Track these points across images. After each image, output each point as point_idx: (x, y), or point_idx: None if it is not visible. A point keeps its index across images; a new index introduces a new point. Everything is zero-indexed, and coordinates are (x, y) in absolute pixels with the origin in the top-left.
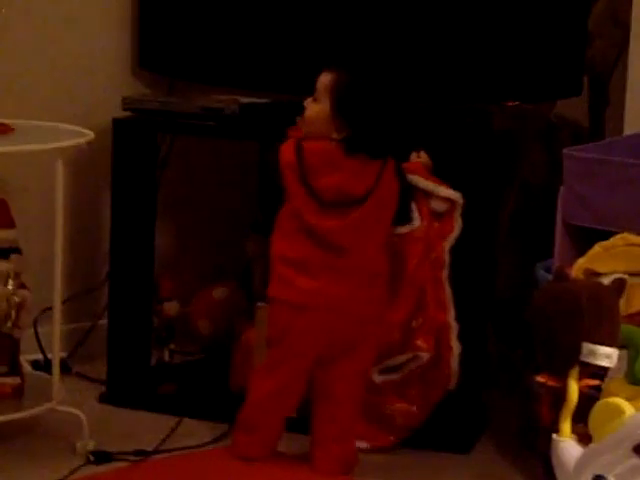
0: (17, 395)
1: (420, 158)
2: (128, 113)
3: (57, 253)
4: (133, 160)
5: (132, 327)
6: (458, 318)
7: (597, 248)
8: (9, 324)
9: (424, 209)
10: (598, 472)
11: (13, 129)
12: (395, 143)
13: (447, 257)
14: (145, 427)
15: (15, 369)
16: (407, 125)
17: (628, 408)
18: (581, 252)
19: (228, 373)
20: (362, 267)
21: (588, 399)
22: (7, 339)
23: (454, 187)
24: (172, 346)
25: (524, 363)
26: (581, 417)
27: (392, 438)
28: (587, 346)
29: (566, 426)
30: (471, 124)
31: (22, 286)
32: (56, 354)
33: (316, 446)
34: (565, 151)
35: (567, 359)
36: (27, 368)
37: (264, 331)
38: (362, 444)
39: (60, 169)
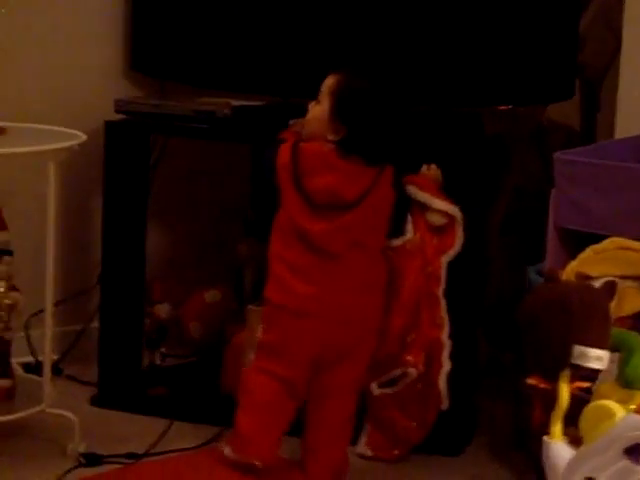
0: (8, 397)
1: (429, 171)
2: (120, 115)
3: (49, 255)
4: (125, 162)
5: (123, 330)
6: (450, 321)
7: (588, 251)
8: (1, 326)
9: (420, 222)
10: (589, 474)
11: (5, 131)
12: (393, 150)
13: (444, 273)
14: (136, 430)
15: (6, 371)
16: (408, 133)
17: (619, 410)
18: (572, 255)
19: (219, 376)
20: (355, 274)
21: (579, 402)
22: None
23: (446, 192)
24: (163, 349)
25: (515, 366)
26: (572, 420)
27: (396, 452)
28: (578, 348)
29: (557, 428)
30: (463, 128)
31: (13, 288)
32: (47, 357)
33: (307, 452)
34: (556, 155)
35: (558, 361)
36: (18, 371)
37: (255, 333)
38: (367, 452)
39: (52, 171)
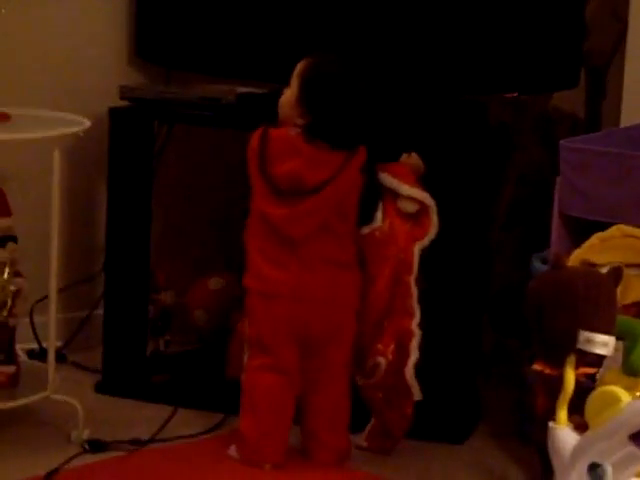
0: (12, 384)
1: (410, 158)
2: (125, 102)
3: (53, 242)
4: (129, 149)
5: (128, 317)
6: (455, 308)
7: (593, 239)
8: (5, 313)
9: (390, 209)
10: (594, 460)
11: (10, 117)
12: (359, 136)
13: (416, 260)
14: (140, 416)
15: (10, 358)
16: (378, 120)
17: (624, 396)
18: (577, 243)
19: (223, 363)
20: (324, 258)
21: (582, 389)
22: (3, 328)
23: (450, 180)
24: (168, 336)
25: (519, 353)
26: (576, 407)
27: (388, 444)
28: (584, 334)
29: (563, 414)
30: (467, 116)
31: (18, 274)
32: (52, 343)
33: (308, 438)
34: (562, 142)
35: (564, 347)
36: (22, 357)
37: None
38: (363, 443)
39: (57, 157)
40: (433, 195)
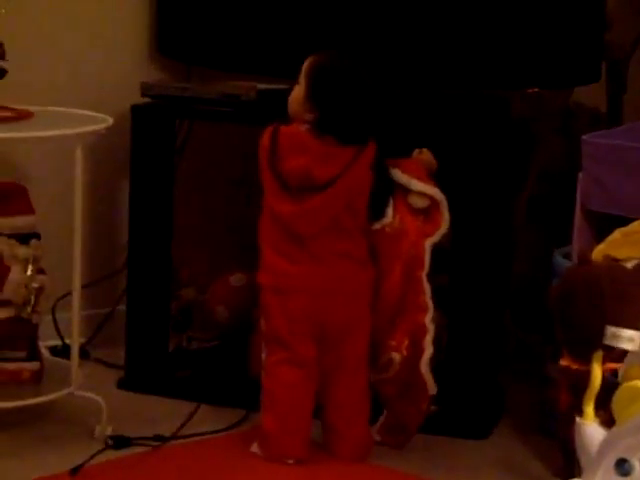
0: (36, 380)
1: (422, 155)
2: (146, 99)
3: (76, 239)
4: (151, 146)
5: (150, 313)
6: (477, 305)
7: (616, 234)
8: (28, 309)
9: (401, 205)
10: (622, 455)
11: (32, 115)
12: (367, 131)
13: (427, 256)
14: (163, 412)
15: (34, 354)
16: (388, 115)
17: None
18: (600, 238)
19: (245, 359)
20: (337, 251)
21: (608, 385)
22: (26, 324)
23: (472, 176)
24: (190, 332)
25: (542, 349)
26: (601, 403)
27: (401, 438)
28: (610, 329)
29: (590, 409)
30: (489, 111)
31: (41, 271)
32: (75, 340)
33: (329, 433)
34: (584, 137)
35: (590, 342)
36: (46, 354)
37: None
38: (376, 436)
39: (79, 155)
40: (454, 191)
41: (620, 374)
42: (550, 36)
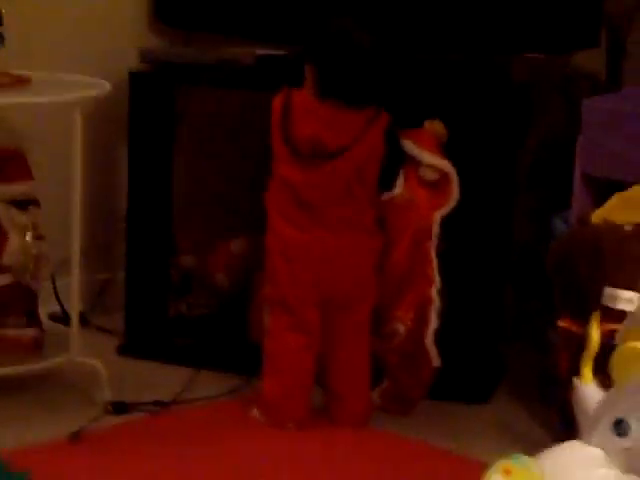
0: (36, 347)
1: (432, 125)
2: (144, 66)
3: (75, 205)
4: (150, 112)
5: (150, 280)
6: (476, 269)
7: (615, 199)
8: (27, 276)
9: (411, 177)
10: (620, 416)
11: (30, 81)
12: (368, 92)
13: (436, 228)
14: (163, 378)
15: (34, 321)
16: (392, 78)
17: None
18: (599, 203)
19: (245, 326)
20: (345, 219)
21: (606, 347)
22: (25, 291)
23: (472, 142)
24: (190, 299)
25: (541, 314)
26: (599, 366)
27: (401, 407)
28: (609, 290)
29: (588, 370)
30: (489, 75)
31: (40, 238)
32: (74, 306)
33: (330, 400)
34: (585, 102)
35: (589, 303)
36: (45, 320)
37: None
38: (377, 400)
39: (78, 120)
40: (454, 157)
41: (618, 335)
42: (549, 1)
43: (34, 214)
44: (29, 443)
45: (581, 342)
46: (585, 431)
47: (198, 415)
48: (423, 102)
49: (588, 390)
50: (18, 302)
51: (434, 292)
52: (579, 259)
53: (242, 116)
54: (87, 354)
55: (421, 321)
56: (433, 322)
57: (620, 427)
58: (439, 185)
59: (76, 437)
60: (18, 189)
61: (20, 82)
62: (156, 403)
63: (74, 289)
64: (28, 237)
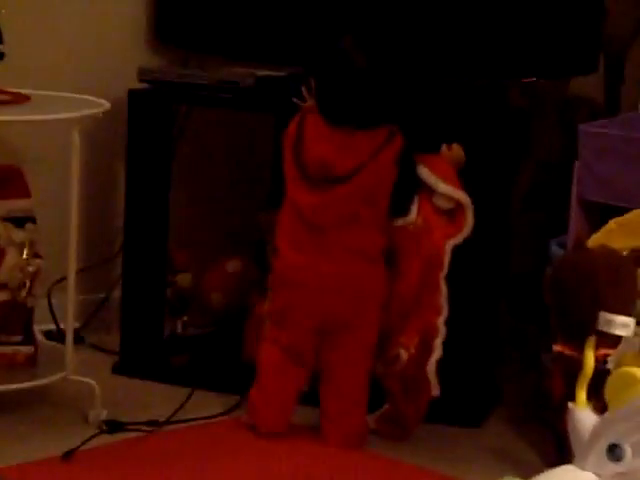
0: (31, 364)
1: (451, 151)
2: (143, 85)
3: (72, 223)
4: (148, 132)
5: (145, 298)
6: (472, 293)
7: (612, 224)
8: (23, 293)
9: (425, 204)
10: (614, 441)
11: (29, 99)
12: (373, 113)
13: (447, 258)
14: (158, 398)
15: (29, 338)
16: (396, 99)
17: None
18: (595, 228)
19: (240, 345)
20: (348, 246)
21: (601, 372)
22: (21, 308)
23: (469, 165)
24: (185, 318)
25: (537, 338)
26: (594, 390)
27: (397, 432)
28: (604, 315)
29: (582, 395)
30: (486, 101)
31: (37, 255)
32: (70, 324)
33: (325, 420)
34: (581, 127)
35: (584, 328)
36: (40, 338)
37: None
38: (372, 423)
39: (76, 139)
40: None
41: (612, 360)
42: (548, 26)
43: (31, 231)
44: (23, 461)
45: (576, 366)
46: (579, 455)
47: (193, 435)
48: (435, 126)
49: (582, 415)
50: (14, 319)
51: (441, 322)
52: (574, 284)
53: (240, 136)
54: (82, 372)
55: (424, 349)
56: (437, 352)
57: (614, 452)
58: (453, 214)
59: (70, 456)
60: (16, 206)
61: (19, 100)
62: (151, 423)
63: (70, 307)
64: (25, 254)
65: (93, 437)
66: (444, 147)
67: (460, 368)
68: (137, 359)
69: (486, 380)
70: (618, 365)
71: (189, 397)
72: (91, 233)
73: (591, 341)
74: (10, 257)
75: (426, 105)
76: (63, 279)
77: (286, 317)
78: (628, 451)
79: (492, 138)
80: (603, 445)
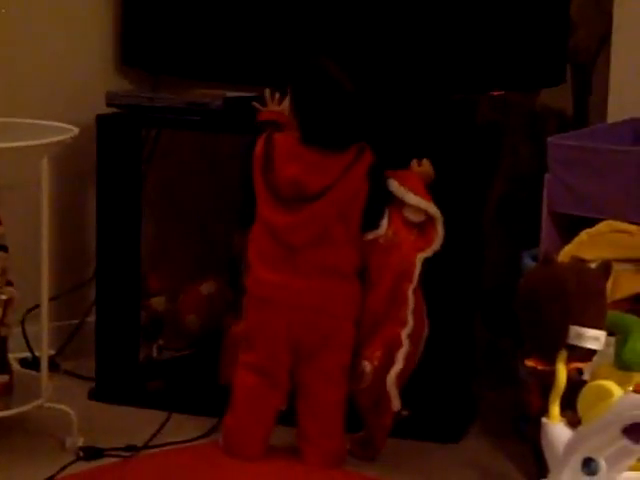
0: (6, 393)
1: (421, 166)
2: (112, 109)
3: (43, 250)
4: (118, 156)
5: (120, 323)
6: (446, 307)
7: (583, 235)
8: None
9: (396, 218)
10: (588, 454)
11: None
12: (347, 135)
13: (417, 271)
14: (135, 423)
15: (3, 367)
16: (367, 118)
17: (617, 390)
18: (567, 240)
19: (216, 368)
20: (321, 264)
21: (574, 385)
22: None
23: (440, 179)
24: (160, 342)
25: (512, 352)
26: (568, 403)
27: (368, 453)
28: (574, 329)
29: (555, 409)
30: (455, 115)
31: (9, 284)
32: (44, 352)
33: (303, 441)
34: (550, 139)
35: (555, 342)
36: (15, 366)
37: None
38: (347, 445)
39: (45, 166)
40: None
41: (587, 372)
42: (515, 39)
43: (3, 259)
44: None
45: (549, 381)
46: (554, 470)
47: (171, 459)
48: (405, 142)
49: (556, 429)
50: None
51: (405, 334)
52: (544, 297)
53: (211, 158)
54: (58, 399)
55: (388, 362)
56: (398, 364)
57: (589, 466)
58: (424, 227)
59: None
60: None
61: None
62: (128, 448)
63: (44, 334)
64: None
65: (70, 464)
66: (414, 162)
67: (437, 383)
68: (113, 384)
69: (463, 395)
70: (594, 377)
71: (166, 421)
72: (63, 259)
73: (562, 355)
74: None
75: (396, 121)
76: (37, 307)
77: (259, 335)
78: (603, 465)
79: (463, 152)
80: (578, 459)
